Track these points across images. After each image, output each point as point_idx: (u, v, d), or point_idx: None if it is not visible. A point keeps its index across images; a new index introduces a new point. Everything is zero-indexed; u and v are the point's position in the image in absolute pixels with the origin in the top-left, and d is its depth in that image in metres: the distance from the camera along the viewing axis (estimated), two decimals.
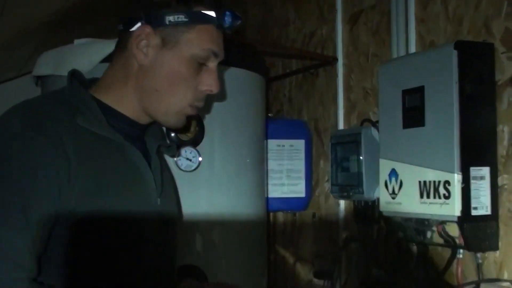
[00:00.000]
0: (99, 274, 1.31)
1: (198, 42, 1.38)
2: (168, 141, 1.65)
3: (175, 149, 1.61)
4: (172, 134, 2.07)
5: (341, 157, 2.45)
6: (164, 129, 1.74)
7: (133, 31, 1.38)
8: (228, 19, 1.40)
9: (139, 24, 1.37)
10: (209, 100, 2.20)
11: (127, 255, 1.34)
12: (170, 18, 1.35)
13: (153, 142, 1.47)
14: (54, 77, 2.13)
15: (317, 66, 2.87)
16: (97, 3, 2.50)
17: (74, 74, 1.44)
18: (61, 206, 1.25)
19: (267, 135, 2.60)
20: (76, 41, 2.10)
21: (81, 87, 1.40)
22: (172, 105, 1.40)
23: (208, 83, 1.42)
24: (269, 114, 2.75)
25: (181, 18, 1.35)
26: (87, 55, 2.02)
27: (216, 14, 1.38)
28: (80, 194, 1.26)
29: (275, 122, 2.84)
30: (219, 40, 1.42)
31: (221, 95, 2.18)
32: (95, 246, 1.31)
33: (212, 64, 1.42)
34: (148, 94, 1.39)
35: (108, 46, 1.98)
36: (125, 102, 1.41)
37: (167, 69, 1.38)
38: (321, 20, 2.89)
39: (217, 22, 1.39)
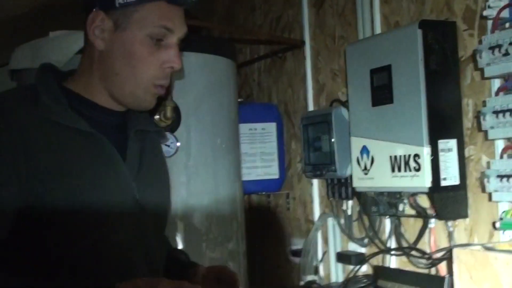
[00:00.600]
0: (65, 263, 1.32)
1: (149, 20, 1.36)
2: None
3: (163, 133, 1.62)
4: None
5: (313, 138, 2.52)
6: None
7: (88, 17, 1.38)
8: None
9: (93, 11, 1.37)
10: (183, 87, 2.26)
11: (93, 243, 1.33)
12: (120, 1, 1.34)
13: (132, 127, 1.47)
14: (30, 70, 2.14)
15: (285, 50, 2.94)
16: None
17: (46, 67, 1.44)
18: (22, 197, 1.27)
19: (239, 120, 2.65)
20: (51, 34, 2.11)
21: (49, 78, 1.39)
22: (135, 86, 1.39)
23: (168, 60, 1.39)
24: (239, 99, 2.80)
25: None
26: (63, 47, 2.04)
27: None
28: (41, 183, 1.27)
29: (246, 106, 2.89)
30: (172, 15, 1.40)
31: (194, 80, 2.23)
32: (57, 235, 1.31)
33: (171, 40, 1.40)
34: (111, 79, 1.39)
35: (83, 38, 2.01)
36: (94, 90, 1.41)
37: (122, 51, 1.37)
38: (287, 4, 2.94)
39: None
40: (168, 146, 2.15)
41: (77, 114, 1.36)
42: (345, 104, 2.39)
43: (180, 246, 2.22)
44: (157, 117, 2.12)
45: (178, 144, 2.19)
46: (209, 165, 2.33)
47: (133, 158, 1.44)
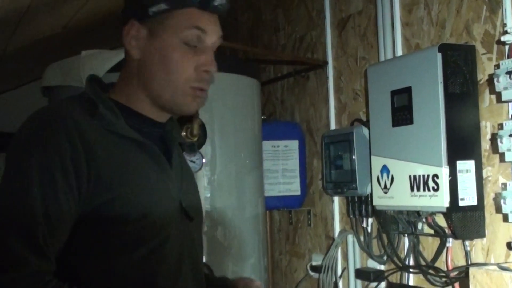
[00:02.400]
0: (119, 272, 1.33)
1: (182, 24, 1.39)
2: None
3: (195, 147, 1.66)
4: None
5: (334, 156, 2.57)
6: None
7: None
8: (211, 1, 1.41)
9: (129, 21, 1.41)
10: (209, 105, 2.33)
11: (148, 252, 1.35)
12: (153, 9, 1.37)
13: (173, 140, 1.50)
14: (61, 87, 2.23)
15: (307, 70, 3.00)
16: (102, 16, 2.59)
17: (93, 79, 1.47)
18: (82, 204, 1.29)
19: (262, 137, 2.72)
20: (83, 52, 2.18)
21: (98, 89, 1.42)
22: (173, 91, 1.40)
23: (203, 63, 1.41)
24: (263, 117, 2.86)
25: (162, 6, 1.37)
26: (94, 65, 2.12)
27: None
28: (102, 191, 1.30)
29: (269, 124, 2.97)
30: (204, 19, 1.42)
31: (219, 99, 2.31)
32: (115, 244, 1.33)
33: (205, 44, 1.42)
34: (150, 86, 1.42)
35: (114, 56, 2.09)
36: (137, 100, 1.43)
37: (158, 57, 1.40)
38: (311, 25, 3.01)
39: (198, 4, 1.40)
40: (194, 162, 2.22)
41: (128, 125, 1.39)
42: (366, 123, 2.45)
43: (203, 259, 2.28)
44: (183, 133, 2.20)
45: (204, 160, 2.26)
46: (233, 181, 2.40)
47: (177, 169, 1.48)
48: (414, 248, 2.26)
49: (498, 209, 1.90)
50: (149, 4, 1.38)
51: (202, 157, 2.26)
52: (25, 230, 1.25)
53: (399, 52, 2.36)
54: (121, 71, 1.48)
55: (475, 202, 1.97)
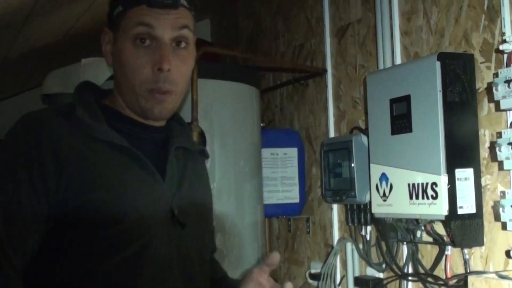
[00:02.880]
0: (99, 277, 1.31)
1: (129, 24, 1.37)
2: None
3: (206, 151, 1.63)
4: None
5: (333, 163, 2.58)
6: None
7: None
8: None
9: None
10: (208, 112, 2.34)
11: (127, 257, 1.32)
12: (114, 12, 1.39)
13: (173, 144, 1.46)
14: (61, 95, 2.24)
15: (307, 78, 3.01)
16: (102, 24, 2.60)
17: (85, 84, 1.46)
18: (53, 208, 1.28)
19: (261, 145, 2.73)
20: (84, 60, 2.20)
21: (86, 94, 1.41)
22: (134, 95, 1.38)
23: (154, 60, 1.35)
24: (262, 124, 2.87)
25: (119, 9, 1.38)
26: (94, 73, 2.13)
27: None
28: (74, 195, 1.28)
29: (268, 131, 2.97)
30: (153, 14, 1.36)
31: (218, 106, 2.31)
32: (91, 249, 1.30)
33: (160, 40, 1.36)
34: (119, 91, 1.41)
35: None
36: (122, 105, 1.42)
37: (118, 60, 1.39)
38: (310, 33, 3.02)
39: (146, 2, 1.36)
40: None
41: (115, 130, 1.36)
42: (365, 131, 2.45)
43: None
44: None
45: None
46: (232, 189, 2.40)
47: (173, 174, 1.44)
48: (413, 256, 2.26)
49: (497, 217, 1.91)
50: (112, 8, 1.41)
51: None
52: None
53: (398, 61, 2.37)
54: None
55: (474, 210, 1.97)
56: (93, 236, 1.30)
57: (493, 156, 1.93)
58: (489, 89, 1.93)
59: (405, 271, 2.30)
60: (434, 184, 1.97)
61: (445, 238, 2.09)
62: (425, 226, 2.13)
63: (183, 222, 1.42)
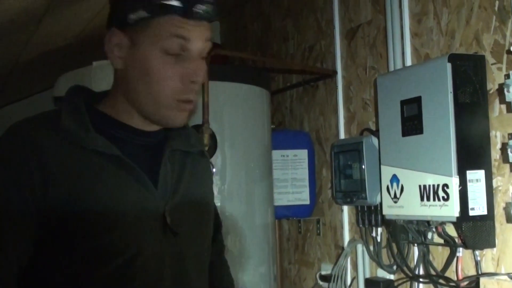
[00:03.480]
0: (88, 285, 1.29)
1: (161, 34, 1.30)
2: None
3: (205, 153, 1.57)
4: None
5: (344, 165, 2.58)
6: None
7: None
8: (194, 7, 1.31)
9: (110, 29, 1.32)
10: (219, 114, 2.34)
11: (117, 267, 1.30)
12: (132, 16, 1.29)
13: (168, 148, 1.41)
14: None
15: (317, 79, 3.01)
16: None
17: (76, 88, 1.40)
18: (39, 223, 1.26)
19: (271, 146, 2.73)
20: (95, 63, 2.20)
21: (75, 100, 1.36)
22: (156, 104, 1.33)
23: (188, 72, 1.32)
24: (272, 126, 2.87)
25: (142, 14, 1.29)
26: (105, 76, 2.12)
27: (179, 3, 1.30)
28: (61, 208, 1.26)
29: (279, 133, 2.97)
30: (187, 26, 1.32)
31: (229, 109, 2.32)
32: (81, 257, 1.28)
33: (191, 53, 1.33)
34: (132, 99, 1.35)
35: None
36: (123, 111, 1.36)
37: (139, 68, 1.31)
38: (320, 35, 3.03)
39: (180, 12, 1.30)
40: None
41: (106, 136, 1.32)
42: (375, 133, 2.45)
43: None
44: None
45: (214, 170, 2.27)
46: (243, 190, 2.41)
47: (167, 180, 1.39)
48: (424, 258, 2.26)
49: (509, 219, 1.91)
50: (128, 11, 1.29)
51: (213, 167, 2.27)
52: None
53: (409, 62, 2.37)
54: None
55: (485, 212, 1.97)
56: (82, 247, 1.28)
57: (505, 157, 1.92)
58: (501, 90, 1.93)
59: (416, 272, 2.30)
60: (446, 185, 1.97)
61: (456, 240, 2.08)
62: (436, 227, 2.12)
63: (176, 230, 1.38)
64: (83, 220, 1.27)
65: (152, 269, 1.33)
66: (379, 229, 2.48)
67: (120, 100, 1.36)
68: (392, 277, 2.48)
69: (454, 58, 1.99)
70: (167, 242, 1.36)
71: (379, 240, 2.49)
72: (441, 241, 2.17)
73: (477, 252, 2.03)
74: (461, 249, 2.08)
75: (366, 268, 2.64)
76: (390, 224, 2.33)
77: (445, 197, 1.97)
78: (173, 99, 1.33)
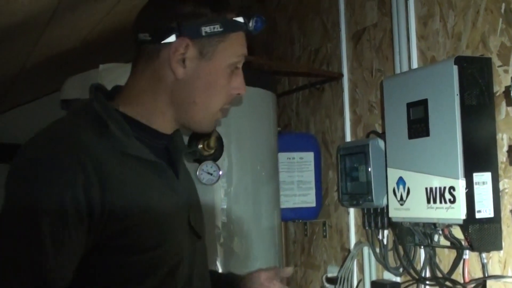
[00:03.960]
0: None
1: (233, 50, 1.35)
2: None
3: (197, 153, 1.60)
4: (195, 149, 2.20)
5: (350, 168, 2.58)
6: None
7: (167, 43, 1.31)
8: (257, 25, 1.37)
9: (173, 36, 1.30)
10: (225, 117, 2.35)
11: (163, 277, 1.30)
12: (207, 29, 1.30)
13: (177, 151, 1.44)
14: (80, 100, 2.25)
15: (323, 82, 3.02)
16: (119, 30, 2.62)
17: (98, 88, 1.38)
18: (93, 237, 1.20)
19: (278, 149, 2.73)
20: (101, 66, 2.20)
21: (105, 101, 1.33)
22: (208, 113, 1.37)
23: (237, 86, 1.38)
24: (278, 128, 2.88)
25: (217, 28, 1.31)
26: (112, 79, 2.13)
27: (244, 20, 1.36)
28: (116, 221, 1.21)
29: (285, 136, 2.98)
30: (246, 44, 1.40)
31: (235, 111, 2.32)
32: (129, 271, 1.26)
33: (239, 67, 1.40)
34: (185, 107, 1.35)
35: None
36: (156, 115, 1.35)
37: (205, 81, 1.33)
38: (326, 38, 3.03)
39: (246, 28, 1.36)
40: (211, 174, 2.24)
41: (139, 142, 1.31)
42: (381, 135, 2.45)
43: (220, 270, 2.29)
44: (200, 146, 2.22)
45: (221, 172, 2.28)
46: (249, 193, 2.41)
47: (184, 182, 1.42)
48: (431, 260, 2.26)
49: None
50: (204, 23, 1.31)
51: (219, 169, 2.28)
52: (34, 271, 1.14)
53: (415, 65, 2.37)
54: (137, 78, 1.37)
55: (491, 214, 1.97)
56: (131, 261, 1.25)
57: (511, 160, 1.92)
58: (507, 92, 1.93)
59: (423, 275, 2.30)
60: (452, 188, 1.97)
61: (463, 242, 2.08)
62: (442, 230, 2.12)
63: (200, 234, 1.42)
64: (140, 230, 1.24)
65: (186, 275, 1.35)
66: (386, 232, 2.48)
67: (160, 106, 1.35)
68: (398, 279, 2.48)
69: (460, 61, 1.98)
70: (193, 246, 1.39)
71: (385, 242, 2.49)
72: (448, 243, 2.16)
73: (483, 255, 2.02)
74: (467, 251, 2.08)
75: (372, 270, 2.64)
76: (396, 227, 2.32)
77: (452, 199, 1.97)
78: (218, 109, 1.37)
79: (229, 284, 1.63)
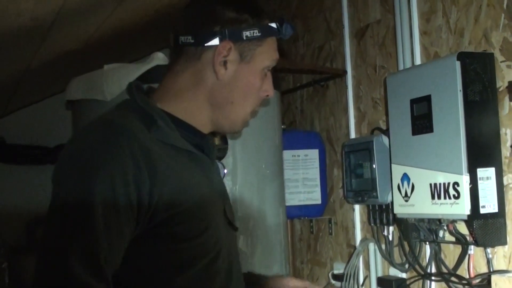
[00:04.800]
0: (177, 286, 1.32)
1: (269, 54, 1.43)
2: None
3: (226, 150, 1.68)
4: None
5: (355, 164, 2.59)
6: None
7: (210, 46, 1.38)
8: (288, 31, 1.45)
9: (217, 39, 1.38)
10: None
11: (205, 266, 1.34)
12: (247, 33, 1.39)
13: (211, 148, 1.50)
14: (85, 101, 2.27)
15: (327, 79, 3.02)
16: (123, 30, 2.64)
17: (137, 87, 1.44)
18: (141, 223, 1.26)
19: (282, 146, 2.74)
20: (106, 66, 2.22)
21: (149, 100, 1.40)
22: (242, 114, 1.44)
23: (267, 89, 1.46)
24: (282, 126, 2.89)
25: (256, 32, 1.39)
26: (117, 79, 2.15)
27: (277, 26, 1.44)
28: (164, 208, 1.27)
29: (290, 133, 2.98)
30: (277, 48, 1.48)
31: None
32: (175, 258, 1.31)
33: (270, 70, 1.49)
34: (222, 107, 1.42)
35: (136, 70, 2.13)
36: (194, 112, 1.42)
37: (244, 82, 1.41)
38: (329, 35, 3.03)
39: (279, 34, 1.44)
40: None
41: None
42: (385, 132, 2.46)
43: None
44: None
45: (225, 171, 2.29)
46: (254, 191, 2.42)
47: (218, 177, 1.52)
48: (436, 256, 2.26)
49: None
50: (244, 28, 1.39)
51: (224, 167, 2.29)
52: (88, 254, 1.20)
53: (418, 61, 2.37)
54: (177, 77, 1.43)
55: (496, 210, 1.97)
56: (177, 248, 1.31)
57: None
58: (510, 88, 1.93)
59: (428, 271, 2.30)
60: (456, 183, 1.97)
61: (467, 238, 2.09)
62: (447, 225, 2.13)
63: (235, 225, 1.48)
64: (188, 219, 1.31)
65: (226, 265, 1.40)
66: (391, 228, 2.48)
67: (198, 106, 1.42)
68: (404, 275, 2.49)
69: (463, 56, 1.99)
70: (230, 237, 1.46)
71: (390, 238, 2.50)
72: (453, 239, 2.17)
73: (488, 250, 2.03)
74: (472, 247, 2.08)
75: (378, 267, 2.64)
76: (401, 223, 2.33)
77: (456, 195, 1.97)
78: (251, 111, 1.46)
79: (254, 284, 1.66)
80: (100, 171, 1.23)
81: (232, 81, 1.41)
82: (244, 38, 1.39)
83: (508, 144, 2.00)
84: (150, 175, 1.25)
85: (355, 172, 2.59)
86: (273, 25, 1.43)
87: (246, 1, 1.44)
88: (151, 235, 1.28)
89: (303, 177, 2.94)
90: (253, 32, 1.39)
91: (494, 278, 1.77)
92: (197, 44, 1.40)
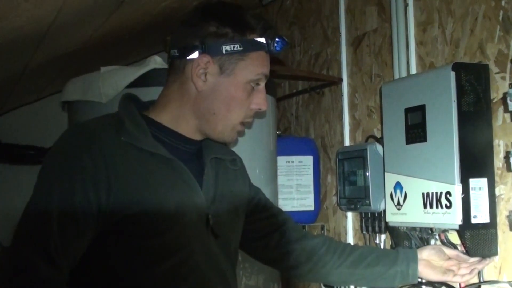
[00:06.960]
0: (143, 284, 1.38)
1: (252, 68, 1.48)
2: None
3: (237, 161, 1.70)
4: None
5: (348, 172, 2.60)
6: None
7: (191, 59, 1.46)
8: (278, 45, 1.50)
9: (196, 53, 1.45)
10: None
11: (170, 267, 1.40)
12: (227, 48, 1.44)
13: (208, 155, 1.56)
14: (81, 102, 2.27)
15: (322, 86, 3.03)
16: (120, 33, 2.64)
17: (128, 97, 1.55)
18: (102, 220, 1.34)
19: (277, 152, 2.74)
20: (103, 69, 2.23)
21: (131, 107, 1.49)
22: (227, 125, 1.50)
23: (258, 102, 1.52)
24: (277, 132, 2.89)
25: (237, 47, 1.44)
26: (113, 81, 2.16)
27: (266, 40, 1.48)
28: (123, 207, 1.34)
29: (284, 139, 2.99)
30: (268, 63, 1.54)
31: None
32: (138, 256, 1.38)
33: (262, 84, 1.54)
34: (206, 117, 1.49)
35: (133, 73, 2.13)
36: (180, 122, 1.50)
37: (224, 95, 1.47)
38: (326, 43, 3.05)
39: (267, 48, 1.49)
40: None
41: (159, 142, 1.45)
42: (380, 140, 2.47)
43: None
44: None
45: None
46: None
47: (209, 185, 1.53)
48: None
49: (511, 227, 1.92)
50: (224, 42, 1.44)
51: None
52: (37, 238, 1.30)
53: (413, 70, 2.39)
54: (167, 89, 1.53)
55: (487, 220, 1.98)
56: (139, 246, 1.38)
57: (508, 166, 1.94)
58: (504, 99, 1.94)
59: (419, 280, 2.31)
60: (448, 193, 1.98)
61: (459, 247, 2.09)
62: (439, 235, 2.13)
63: (218, 233, 1.50)
64: (145, 219, 1.37)
65: (201, 269, 1.45)
66: (383, 236, 2.49)
67: (184, 115, 1.50)
68: None
69: (458, 67, 2.00)
70: (211, 243, 1.49)
71: (382, 246, 2.50)
72: None
73: None
74: None
75: None
76: (393, 231, 2.34)
77: (448, 204, 1.98)
78: (239, 122, 1.51)
79: (407, 259, 1.87)
80: (59, 169, 1.35)
81: (213, 93, 1.47)
82: (224, 52, 1.44)
83: (501, 155, 2.01)
84: (108, 177, 1.33)
85: (348, 179, 2.60)
86: (261, 39, 1.47)
87: (230, 16, 1.47)
88: (114, 233, 1.36)
89: (296, 183, 2.95)
90: (234, 47, 1.44)
91: None
92: (180, 57, 1.48)
